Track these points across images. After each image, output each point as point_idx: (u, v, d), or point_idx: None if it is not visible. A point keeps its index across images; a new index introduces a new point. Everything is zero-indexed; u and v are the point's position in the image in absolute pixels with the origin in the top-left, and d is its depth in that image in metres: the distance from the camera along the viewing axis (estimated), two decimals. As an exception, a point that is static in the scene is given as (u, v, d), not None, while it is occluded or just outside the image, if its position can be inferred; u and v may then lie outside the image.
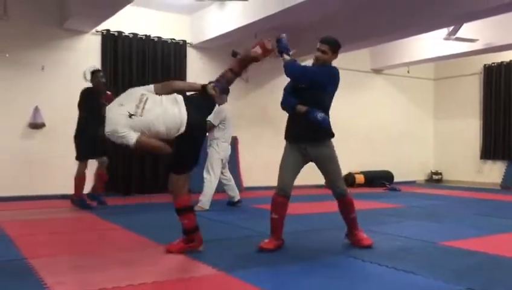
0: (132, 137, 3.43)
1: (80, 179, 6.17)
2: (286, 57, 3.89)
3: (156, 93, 3.61)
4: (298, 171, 3.93)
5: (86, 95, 6.12)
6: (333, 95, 3.96)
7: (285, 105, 3.98)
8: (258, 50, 3.87)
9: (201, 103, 3.72)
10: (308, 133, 3.83)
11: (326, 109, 3.88)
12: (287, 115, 4.03)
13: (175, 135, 3.54)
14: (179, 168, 3.70)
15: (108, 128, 3.48)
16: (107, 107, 3.62)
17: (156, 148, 3.58)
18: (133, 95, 3.60)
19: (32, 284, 2.86)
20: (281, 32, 4.07)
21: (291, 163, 3.89)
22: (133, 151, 3.83)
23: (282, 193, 3.86)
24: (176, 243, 3.72)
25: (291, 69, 3.84)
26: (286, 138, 4.01)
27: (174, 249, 3.68)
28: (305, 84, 3.84)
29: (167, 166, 3.73)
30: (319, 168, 3.96)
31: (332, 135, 3.94)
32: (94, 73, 6.27)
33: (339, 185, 3.93)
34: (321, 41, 3.88)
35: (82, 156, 6.12)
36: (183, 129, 3.52)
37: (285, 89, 4.02)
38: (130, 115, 3.45)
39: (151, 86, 3.68)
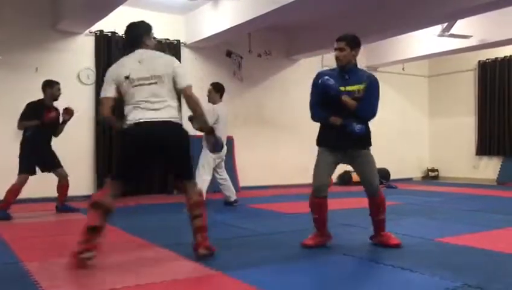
0: (105, 93, 3.44)
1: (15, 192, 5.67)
2: (348, 100, 3.73)
3: (183, 94, 3.47)
4: (332, 172, 3.94)
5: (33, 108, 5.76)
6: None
7: (318, 119, 3.93)
8: None
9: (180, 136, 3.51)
10: (345, 144, 3.81)
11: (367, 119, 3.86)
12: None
13: (125, 125, 3.40)
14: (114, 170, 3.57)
15: (112, 68, 3.54)
16: (133, 52, 3.49)
17: (111, 124, 3.54)
18: (156, 66, 3.42)
19: (28, 287, 2.83)
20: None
21: (325, 165, 3.87)
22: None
23: (319, 195, 3.84)
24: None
25: (373, 113, 3.84)
26: (319, 144, 3.96)
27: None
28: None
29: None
30: (354, 168, 3.97)
31: (370, 144, 3.94)
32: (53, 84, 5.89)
33: (373, 183, 3.90)
34: (337, 40, 3.81)
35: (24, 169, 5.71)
36: (130, 123, 3.35)
37: (312, 105, 3.92)
38: (127, 77, 3.39)
39: (184, 84, 3.46)
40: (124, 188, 3.46)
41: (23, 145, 5.74)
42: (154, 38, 3.67)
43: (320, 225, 3.91)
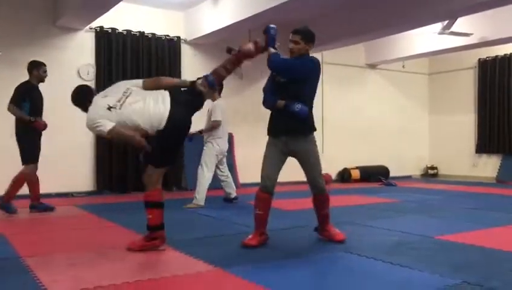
0: (107, 126, 3.49)
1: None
2: (271, 49, 3.83)
3: (144, 88, 3.68)
4: (280, 167, 3.93)
5: (28, 90, 5.59)
6: (316, 87, 3.96)
7: (266, 104, 4.00)
8: (250, 46, 3.84)
9: (187, 99, 3.70)
10: (288, 126, 3.83)
11: (307, 102, 3.86)
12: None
13: (155, 129, 3.52)
14: (155, 162, 3.66)
15: (88, 118, 3.58)
16: (94, 97, 3.69)
17: (129, 139, 3.58)
18: (119, 88, 3.69)
19: (27, 282, 2.84)
20: (271, 25, 3.94)
21: (272, 159, 3.89)
22: (118, 145, 3.82)
23: (265, 190, 3.85)
24: (137, 241, 3.71)
25: (275, 63, 3.81)
26: (268, 132, 4.01)
27: (135, 246, 3.65)
28: (286, 78, 3.83)
29: (144, 158, 3.73)
30: (299, 162, 3.95)
31: (314, 129, 3.94)
32: (39, 65, 5.68)
33: (319, 181, 3.92)
34: (293, 32, 3.87)
35: (34, 157, 5.65)
36: (163, 124, 3.49)
37: (264, 89, 4.01)
38: (109, 108, 3.53)
39: (140, 81, 3.75)
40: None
41: (26, 133, 5.57)
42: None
43: (261, 222, 3.88)
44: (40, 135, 5.74)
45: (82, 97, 3.78)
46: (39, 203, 5.78)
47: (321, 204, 3.98)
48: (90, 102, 3.66)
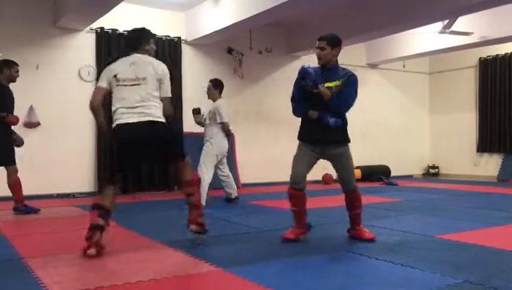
0: (99, 84, 3.75)
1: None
2: (324, 90, 3.81)
3: (160, 100, 3.70)
4: (311, 167, 3.98)
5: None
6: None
7: (298, 114, 4.03)
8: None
9: (153, 135, 3.71)
10: (323, 137, 3.88)
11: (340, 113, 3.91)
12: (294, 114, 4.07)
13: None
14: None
15: (108, 67, 3.82)
16: (133, 53, 3.78)
17: (97, 122, 3.86)
18: (146, 71, 3.66)
19: (29, 283, 2.85)
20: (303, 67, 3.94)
21: (304, 158, 3.94)
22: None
23: (295, 186, 3.91)
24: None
25: (346, 106, 3.88)
26: (300, 138, 4.03)
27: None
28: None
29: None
30: (333, 165, 4.02)
31: (348, 141, 3.98)
32: (12, 65, 5.58)
33: (351, 181, 3.99)
34: (319, 39, 3.91)
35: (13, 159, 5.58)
36: (116, 123, 3.64)
37: (292, 99, 4.02)
38: (115, 76, 3.66)
39: (165, 95, 3.72)
40: (121, 180, 3.81)
41: (2, 133, 5.47)
42: (155, 38, 3.95)
43: (298, 217, 3.98)
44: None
45: (131, 42, 3.88)
46: (23, 205, 5.71)
47: (352, 203, 4.03)
48: (136, 50, 3.79)
